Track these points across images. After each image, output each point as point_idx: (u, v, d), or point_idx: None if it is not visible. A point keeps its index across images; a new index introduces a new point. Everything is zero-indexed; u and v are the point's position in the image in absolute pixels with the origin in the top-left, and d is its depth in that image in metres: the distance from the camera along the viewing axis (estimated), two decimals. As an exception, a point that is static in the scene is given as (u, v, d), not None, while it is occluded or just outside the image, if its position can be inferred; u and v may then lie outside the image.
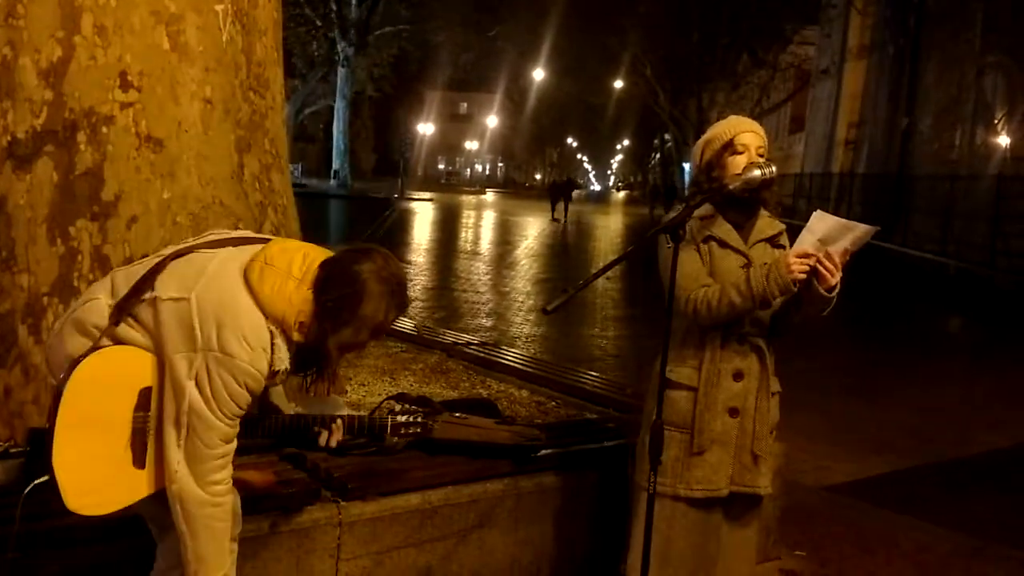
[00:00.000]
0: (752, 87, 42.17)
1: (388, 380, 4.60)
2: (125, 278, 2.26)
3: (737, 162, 2.76)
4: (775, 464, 3.96)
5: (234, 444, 2.17)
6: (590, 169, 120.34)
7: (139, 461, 2.17)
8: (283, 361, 2.14)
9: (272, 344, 2.11)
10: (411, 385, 4.54)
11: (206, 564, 2.16)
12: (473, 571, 3.19)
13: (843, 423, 6.83)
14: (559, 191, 33.47)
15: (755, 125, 2.84)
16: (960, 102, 22.81)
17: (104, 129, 3.39)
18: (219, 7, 3.73)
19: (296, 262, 2.14)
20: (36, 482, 2.12)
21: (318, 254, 2.19)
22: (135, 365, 2.17)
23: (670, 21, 37.18)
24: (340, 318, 2.12)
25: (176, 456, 2.10)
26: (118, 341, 2.19)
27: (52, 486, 2.11)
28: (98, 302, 2.25)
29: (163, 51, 3.52)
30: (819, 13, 37.16)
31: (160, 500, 2.18)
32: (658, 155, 67.84)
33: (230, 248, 2.24)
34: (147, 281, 2.20)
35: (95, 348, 2.17)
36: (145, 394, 2.16)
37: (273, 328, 2.11)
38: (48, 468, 2.10)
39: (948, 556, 4.23)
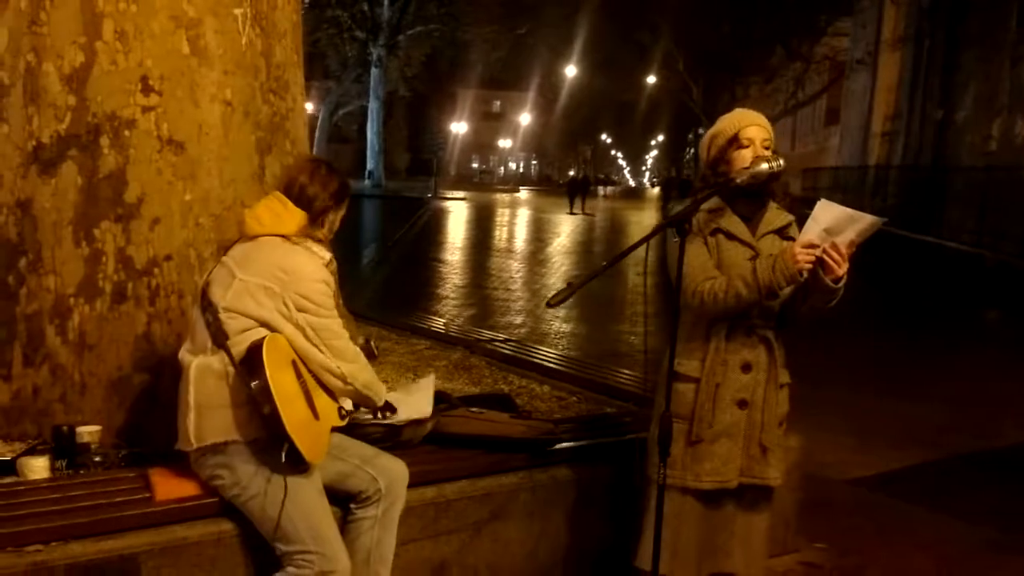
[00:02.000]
0: (786, 80, 41.83)
1: (411, 377, 4.64)
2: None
3: (743, 156, 2.77)
4: (793, 457, 3.98)
5: None
6: (625, 165, 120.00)
7: (316, 415, 2.67)
8: (324, 250, 2.81)
9: (317, 254, 2.77)
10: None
11: (378, 392, 2.89)
12: (489, 563, 3.23)
13: (870, 416, 6.78)
14: (576, 187, 37.90)
15: (760, 118, 2.84)
16: (996, 92, 22.45)
17: (126, 132, 3.47)
18: (238, 11, 3.79)
19: (266, 202, 2.84)
20: (284, 452, 2.53)
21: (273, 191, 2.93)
22: (277, 344, 2.61)
23: (701, 14, 36.93)
24: (316, 199, 2.81)
25: (333, 364, 2.70)
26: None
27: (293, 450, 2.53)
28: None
29: (183, 55, 3.59)
30: (853, 4, 36.72)
31: None
32: (692, 150, 67.56)
33: None
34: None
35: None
36: (295, 364, 2.65)
37: (297, 240, 2.75)
38: (286, 437, 2.50)
39: (969, 548, 4.21)
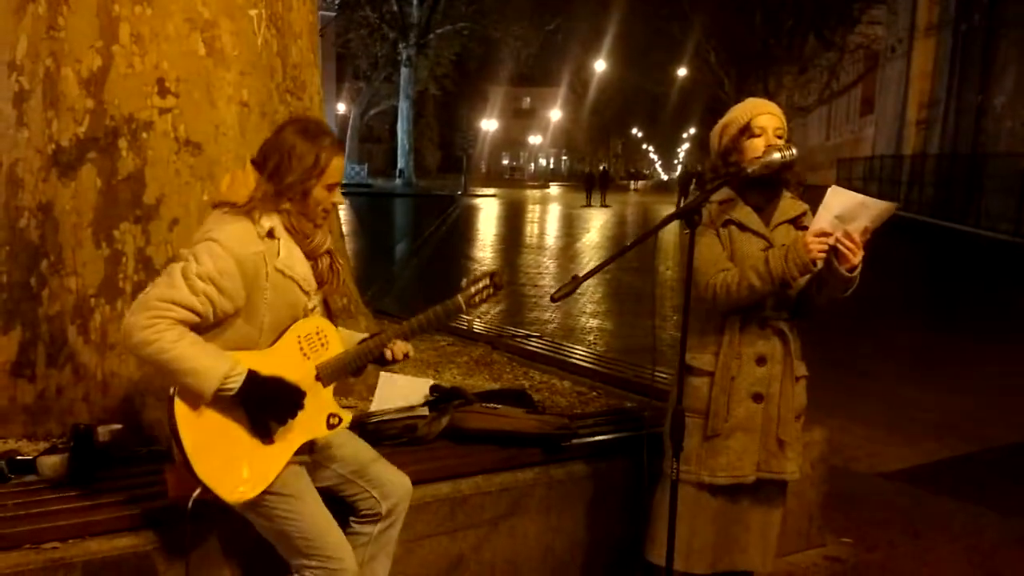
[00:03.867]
0: (820, 70, 41.28)
1: (432, 373, 4.63)
2: None
3: (755, 145, 2.73)
4: (819, 450, 3.94)
5: (185, 328, 2.28)
6: (656, 159, 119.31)
7: (266, 439, 2.41)
8: (270, 220, 2.39)
9: (256, 222, 2.37)
10: (455, 377, 4.58)
11: (195, 377, 2.26)
12: (506, 558, 3.23)
13: (904, 408, 6.68)
14: (591, 181, 40.57)
15: (773, 107, 2.80)
16: (1035, 77, 22.03)
17: (144, 135, 3.51)
18: (253, 12, 3.82)
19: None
20: (194, 496, 2.37)
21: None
22: None
23: (733, 5, 36.52)
24: (280, 171, 2.40)
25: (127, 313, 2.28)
26: None
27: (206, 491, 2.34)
28: None
29: (199, 57, 3.62)
30: (886, -9, 36.20)
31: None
32: (725, 143, 66.39)
33: None
34: None
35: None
36: None
37: (250, 216, 2.37)
38: (199, 482, 2.32)
39: (999, 541, 4.13)
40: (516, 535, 3.24)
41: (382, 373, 3.69)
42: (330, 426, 2.53)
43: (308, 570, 2.49)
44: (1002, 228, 19.70)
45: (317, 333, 2.49)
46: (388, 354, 2.57)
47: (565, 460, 3.36)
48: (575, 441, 3.39)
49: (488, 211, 32.63)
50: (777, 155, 2.67)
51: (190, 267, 2.28)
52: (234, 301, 2.33)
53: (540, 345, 5.37)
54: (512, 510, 3.21)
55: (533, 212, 34.28)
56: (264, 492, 2.39)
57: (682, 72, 45.19)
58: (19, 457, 2.95)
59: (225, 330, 2.38)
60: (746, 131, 2.76)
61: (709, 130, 2.95)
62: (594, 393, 4.37)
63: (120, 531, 2.56)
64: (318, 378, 2.50)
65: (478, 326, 6.00)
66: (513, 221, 28.96)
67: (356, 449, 2.72)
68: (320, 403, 2.51)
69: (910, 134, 31.70)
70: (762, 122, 2.75)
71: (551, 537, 3.32)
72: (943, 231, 21.88)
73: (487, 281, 2.57)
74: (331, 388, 2.55)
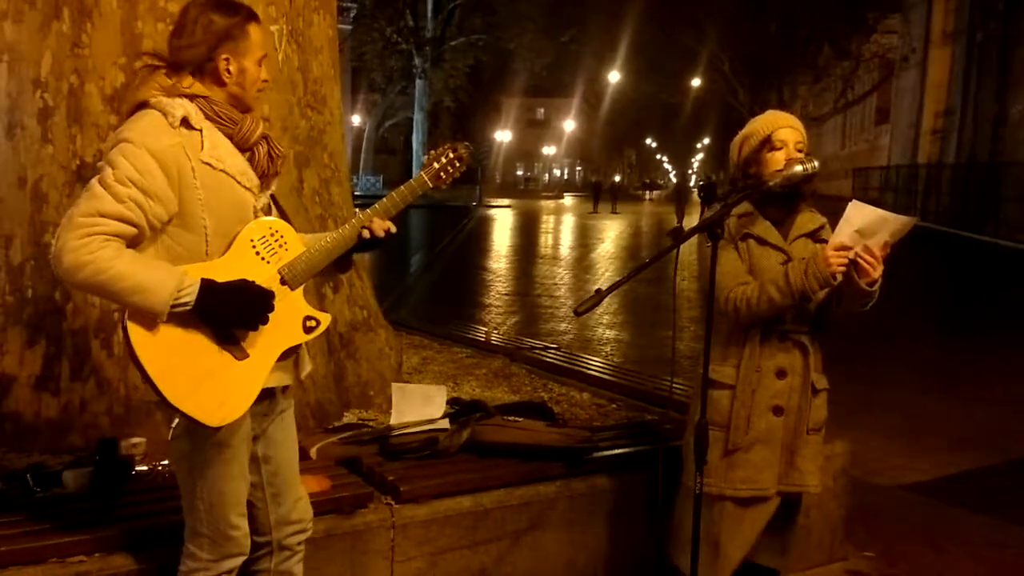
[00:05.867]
0: (835, 79, 41.24)
1: (451, 385, 4.64)
2: None
3: (776, 158, 2.74)
4: (840, 462, 3.92)
5: (122, 244, 2.06)
6: (670, 169, 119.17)
7: (239, 353, 2.17)
8: (180, 107, 2.14)
9: (166, 113, 2.13)
10: (474, 390, 4.59)
11: (143, 294, 2.04)
12: (528, 572, 3.22)
13: (924, 420, 6.64)
14: (599, 190, 43.87)
15: (793, 120, 2.81)
16: (1053, 85, 21.89)
17: (166, 150, 3.53)
18: (274, 28, 3.85)
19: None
20: (173, 426, 2.18)
21: None
22: None
23: (747, 13, 36.52)
24: (182, 39, 2.19)
25: (57, 234, 2.05)
26: None
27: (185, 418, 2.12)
28: None
29: (220, 73, 3.64)
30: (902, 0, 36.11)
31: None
32: (739, 153, 66.10)
33: None
34: None
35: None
36: None
37: (159, 107, 2.14)
38: (173, 410, 2.11)
39: (1022, 554, 4.09)
40: (538, 549, 3.23)
41: (394, 384, 3.70)
42: (307, 329, 2.28)
43: (197, 541, 2.27)
44: (1020, 238, 19.57)
45: (272, 234, 2.24)
46: (366, 233, 2.31)
47: (587, 473, 3.36)
48: (597, 454, 3.40)
49: (503, 222, 32.70)
50: (799, 167, 2.67)
51: (107, 175, 2.06)
52: (165, 204, 2.10)
53: (558, 357, 5.38)
54: (534, 524, 3.21)
55: (547, 222, 34.31)
56: (199, 429, 2.14)
57: (696, 82, 45.21)
58: (44, 470, 2.98)
59: (166, 242, 2.16)
60: (767, 144, 2.77)
61: (723, 140, 2.97)
62: (613, 405, 4.37)
63: (145, 545, 2.57)
64: (283, 282, 2.24)
65: (496, 338, 6.01)
66: (528, 231, 29.00)
67: (286, 448, 2.44)
68: (292, 308, 2.27)
69: (926, 143, 31.57)
70: (783, 135, 2.76)
71: (573, 551, 3.32)
72: (960, 241, 21.75)
73: (449, 155, 2.47)
74: (301, 291, 2.30)
